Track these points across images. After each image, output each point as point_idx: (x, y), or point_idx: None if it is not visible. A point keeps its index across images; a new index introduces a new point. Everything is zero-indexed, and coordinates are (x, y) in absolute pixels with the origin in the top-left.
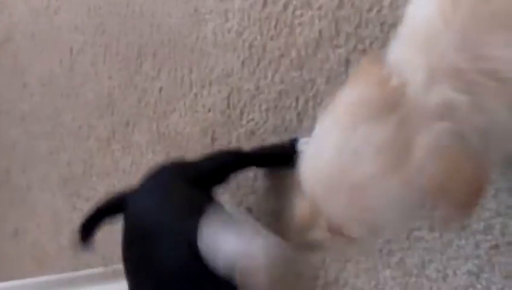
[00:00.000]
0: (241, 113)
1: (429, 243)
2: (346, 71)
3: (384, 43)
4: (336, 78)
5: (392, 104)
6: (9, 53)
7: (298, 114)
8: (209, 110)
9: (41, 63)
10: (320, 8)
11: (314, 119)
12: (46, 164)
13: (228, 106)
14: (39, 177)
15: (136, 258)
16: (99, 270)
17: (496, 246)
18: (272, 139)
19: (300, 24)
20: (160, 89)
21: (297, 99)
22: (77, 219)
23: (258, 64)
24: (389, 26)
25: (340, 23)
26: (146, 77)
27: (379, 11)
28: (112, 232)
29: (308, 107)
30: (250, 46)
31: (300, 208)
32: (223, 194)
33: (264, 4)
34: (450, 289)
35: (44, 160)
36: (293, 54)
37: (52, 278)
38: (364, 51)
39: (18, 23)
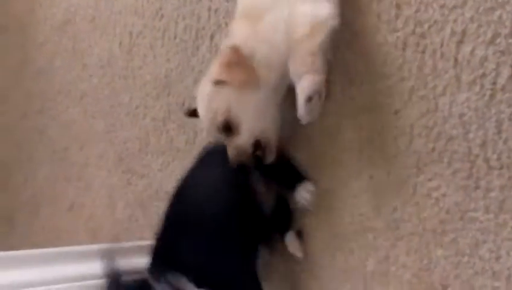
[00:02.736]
0: None
1: (483, 223)
2: (403, 54)
3: (443, 26)
4: (392, 62)
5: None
6: (69, 35)
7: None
8: None
9: (100, 45)
10: None
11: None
12: (103, 142)
13: None
14: (96, 155)
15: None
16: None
17: None
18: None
19: (358, 9)
20: None
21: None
22: (131, 193)
23: None
24: (449, 10)
25: (399, 7)
26: (203, 59)
27: None
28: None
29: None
30: None
31: None
32: None
33: None
34: (502, 270)
35: (101, 138)
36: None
37: (104, 246)
38: (422, 34)
39: (78, 7)
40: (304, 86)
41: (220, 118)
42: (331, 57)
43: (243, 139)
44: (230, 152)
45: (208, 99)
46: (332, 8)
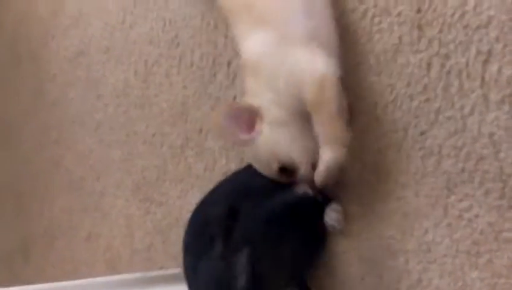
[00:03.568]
0: None
1: None
2: (427, 75)
3: (467, 47)
4: (417, 83)
5: None
6: (83, 66)
7: (376, 118)
8: None
9: (115, 75)
10: (399, 14)
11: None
12: (120, 171)
13: None
14: (113, 184)
15: None
16: (172, 271)
17: None
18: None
19: (379, 31)
20: (234, 97)
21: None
22: (150, 222)
23: None
24: (473, 31)
25: (422, 28)
26: (220, 86)
27: (462, 15)
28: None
29: (388, 111)
30: None
31: None
32: None
33: (343, 13)
34: None
35: (118, 167)
36: (372, 60)
37: (125, 277)
38: (447, 55)
39: (92, 38)
40: (327, 158)
41: (274, 167)
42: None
43: (305, 170)
44: (306, 188)
45: (252, 160)
46: (327, 57)
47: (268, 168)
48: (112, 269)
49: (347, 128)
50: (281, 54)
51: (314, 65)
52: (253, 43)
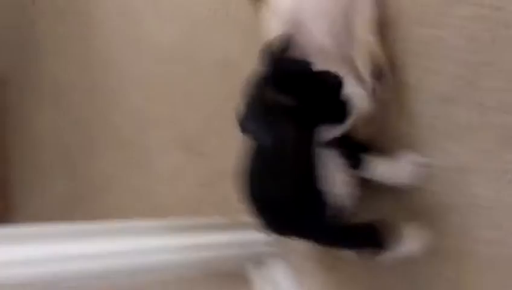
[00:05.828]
0: None
1: None
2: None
3: None
4: None
5: None
6: (131, 25)
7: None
8: None
9: (162, 33)
10: None
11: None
12: (165, 126)
13: None
14: (159, 138)
15: None
16: (218, 220)
17: None
18: None
19: None
20: None
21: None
22: (195, 173)
23: None
24: None
25: None
26: None
27: None
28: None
29: None
30: None
31: None
32: None
33: None
34: None
35: (164, 122)
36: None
37: (172, 223)
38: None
39: None
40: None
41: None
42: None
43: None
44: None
45: None
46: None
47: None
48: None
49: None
50: None
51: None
52: None
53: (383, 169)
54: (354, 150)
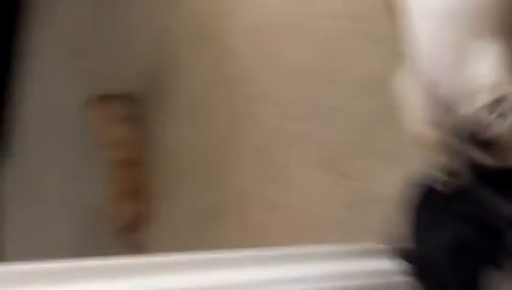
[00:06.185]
0: None
1: None
2: None
3: None
4: None
5: None
6: (264, 41)
7: None
8: None
9: (296, 50)
10: None
11: None
12: (304, 144)
13: None
14: (297, 156)
15: None
16: (369, 245)
17: None
18: None
19: None
20: None
21: None
22: (339, 195)
23: None
24: None
25: None
26: None
27: None
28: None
29: None
30: None
31: None
32: None
33: None
34: None
35: (301, 140)
36: None
37: (317, 249)
38: None
39: (272, 12)
40: None
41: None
42: None
43: None
44: None
45: None
46: None
47: None
48: (302, 239)
49: None
50: None
51: None
52: None
53: None
54: None
